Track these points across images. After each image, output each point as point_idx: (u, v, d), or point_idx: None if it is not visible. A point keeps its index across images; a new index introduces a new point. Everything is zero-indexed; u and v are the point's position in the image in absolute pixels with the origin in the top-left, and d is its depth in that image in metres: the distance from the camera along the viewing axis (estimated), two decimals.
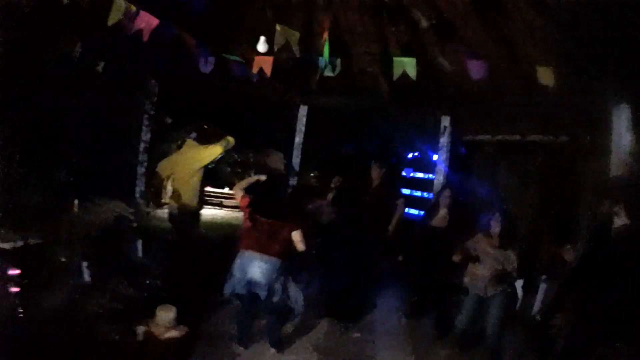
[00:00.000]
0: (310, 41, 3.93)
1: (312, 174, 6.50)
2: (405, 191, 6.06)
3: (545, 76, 3.35)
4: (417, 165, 6.91)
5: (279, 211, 2.96)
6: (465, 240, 3.17)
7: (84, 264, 3.13)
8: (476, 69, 3.38)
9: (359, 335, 3.51)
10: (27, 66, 3.11)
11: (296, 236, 2.90)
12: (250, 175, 4.17)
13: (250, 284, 2.83)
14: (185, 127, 5.89)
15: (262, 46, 3.52)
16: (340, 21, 3.96)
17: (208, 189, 6.81)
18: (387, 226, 4.10)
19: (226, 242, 4.35)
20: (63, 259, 2.96)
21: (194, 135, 3.99)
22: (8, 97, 2.94)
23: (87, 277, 3.06)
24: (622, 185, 2.97)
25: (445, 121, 4.81)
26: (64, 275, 2.89)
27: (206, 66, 3.60)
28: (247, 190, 3.12)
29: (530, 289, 3.71)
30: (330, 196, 4.19)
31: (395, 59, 3.47)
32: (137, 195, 4.88)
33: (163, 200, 3.80)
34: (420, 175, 6.87)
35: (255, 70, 3.55)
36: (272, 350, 3.01)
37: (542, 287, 3.65)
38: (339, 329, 3.57)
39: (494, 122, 4.70)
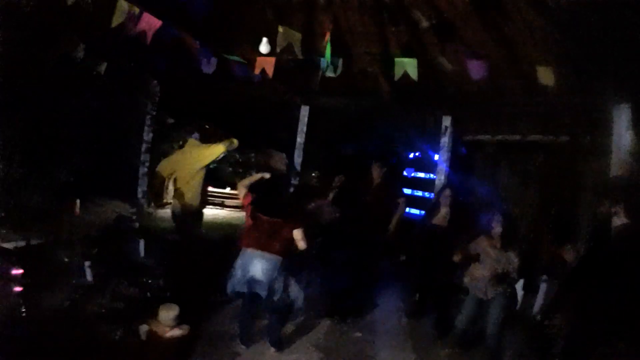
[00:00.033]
0: (311, 42, 3.94)
1: (313, 174, 6.51)
2: (407, 191, 6.07)
3: (545, 76, 3.36)
4: (418, 165, 6.92)
5: (280, 210, 2.98)
6: (465, 240, 3.17)
7: (86, 263, 3.15)
8: (476, 69, 3.39)
9: (359, 334, 3.52)
10: (28, 66, 3.13)
11: (297, 235, 2.91)
12: (251, 175, 4.19)
13: (252, 282, 2.84)
14: (185, 127, 5.92)
15: (264, 47, 3.54)
16: (341, 21, 3.96)
17: (210, 188, 6.84)
18: (388, 226, 4.11)
19: (227, 242, 4.37)
20: (65, 259, 2.98)
21: (196, 135, 4.00)
22: (10, 97, 2.96)
23: (89, 277, 3.07)
24: (622, 185, 2.98)
25: (447, 121, 4.81)
26: (66, 275, 2.91)
27: (208, 67, 3.62)
28: (250, 188, 3.14)
29: (530, 289, 3.71)
30: (331, 196, 4.21)
31: (396, 59, 3.48)
32: (139, 195, 4.90)
33: (165, 201, 3.82)
34: (421, 175, 6.88)
35: (257, 71, 3.57)
36: (272, 349, 3.02)
37: (542, 287, 3.65)
38: (340, 329, 3.58)
39: (494, 122, 4.70)
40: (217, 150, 3.82)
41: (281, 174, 5.78)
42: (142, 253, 4.03)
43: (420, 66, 3.48)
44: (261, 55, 3.59)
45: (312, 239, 3.43)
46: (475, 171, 5.16)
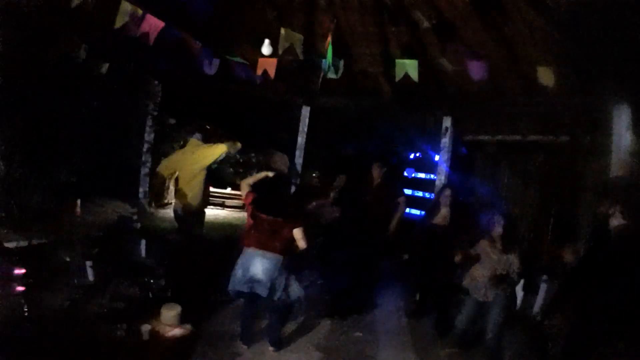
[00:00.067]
0: (312, 43, 3.96)
1: (314, 174, 6.53)
2: (407, 191, 6.07)
3: (545, 76, 3.36)
4: (418, 165, 6.93)
5: (281, 209, 2.99)
6: (466, 240, 3.17)
7: (88, 263, 3.16)
8: (477, 69, 3.40)
9: (360, 334, 3.52)
10: (29, 66, 3.14)
11: (297, 234, 2.92)
12: (249, 177, 4.20)
13: (253, 281, 2.86)
14: (186, 127, 5.94)
15: (266, 49, 3.56)
16: (342, 22, 3.97)
17: (210, 189, 6.86)
18: (388, 225, 4.12)
19: (228, 242, 4.38)
20: (67, 259, 2.99)
21: (198, 135, 4.01)
22: (11, 97, 2.97)
23: (90, 277, 3.09)
24: (620, 185, 2.98)
25: (447, 122, 4.82)
26: (68, 275, 2.92)
27: (210, 68, 3.63)
28: (252, 187, 3.16)
29: (530, 289, 3.71)
30: (332, 196, 4.22)
31: (397, 61, 3.50)
32: (141, 195, 4.92)
33: (165, 201, 3.83)
34: (422, 175, 6.89)
35: (259, 72, 3.59)
36: (272, 349, 3.03)
37: (543, 287, 3.65)
38: (340, 328, 3.58)
39: (494, 122, 4.71)
40: (219, 150, 3.83)
41: (282, 174, 5.79)
42: (143, 253, 4.04)
43: (420, 66, 3.49)
44: (263, 56, 3.61)
45: (313, 238, 3.44)
46: (475, 171, 5.16)
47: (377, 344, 3.36)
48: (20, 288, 2.35)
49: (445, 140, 4.82)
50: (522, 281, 3.51)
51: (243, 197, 3.20)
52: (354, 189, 4.30)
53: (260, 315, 3.21)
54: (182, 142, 6.13)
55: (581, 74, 3.38)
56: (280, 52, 3.39)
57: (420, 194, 6.66)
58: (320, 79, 3.86)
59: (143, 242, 4.04)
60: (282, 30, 3.34)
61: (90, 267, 3.16)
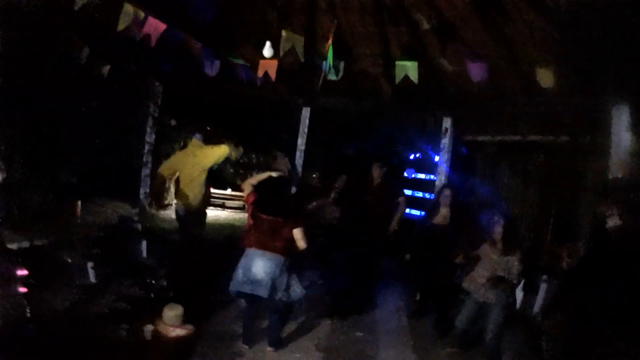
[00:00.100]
0: (313, 44, 3.96)
1: (314, 174, 6.54)
2: (407, 192, 6.08)
3: (545, 77, 3.36)
4: (418, 166, 6.94)
5: (281, 209, 3.00)
6: (466, 240, 3.17)
7: (89, 264, 3.17)
8: (477, 69, 3.40)
9: (360, 334, 3.53)
10: (30, 66, 3.15)
11: (297, 234, 2.93)
12: (252, 177, 4.21)
13: (254, 282, 2.87)
14: (186, 127, 5.95)
15: (267, 51, 3.57)
16: (342, 22, 3.98)
17: (211, 190, 6.88)
18: (388, 225, 4.13)
19: (229, 242, 4.39)
20: (68, 260, 3.01)
21: (198, 136, 4.02)
22: (13, 98, 2.98)
23: (92, 277, 3.10)
24: (618, 186, 2.98)
25: (447, 122, 4.83)
26: (70, 275, 2.93)
27: (212, 70, 3.64)
28: (255, 188, 3.17)
29: (530, 289, 3.71)
30: (333, 196, 4.23)
31: (397, 62, 3.50)
32: (141, 196, 4.93)
33: (166, 202, 3.85)
34: (422, 176, 6.89)
35: (260, 74, 3.60)
36: (271, 349, 3.04)
37: (543, 287, 3.66)
38: (341, 328, 3.59)
39: (494, 123, 4.70)
40: (220, 151, 3.84)
41: (284, 175, 5.82)
42: (144, 254, 4.05)
43: (420, 67, 3.49)
44: (264, 58, 3.62)
45: (313, 238, 3.45)
46: (475, 171, 5.17)
47: (377, 344, 3.37)
48: (22, 289, 2.36)
49: (445, 141, 4.83)
50: (522, 281, 3.51)
51: (245, 197, 3.22)
52: (354, 189, 4.31)
53: (262, 316, 3.22)
54: (182, 143, 6.15)
55: (581, 74, 3.38)
56: (281, 54, 3.40)
57: (420, 194, 6.67)
58: (321, 80, 3.86)
59: (144, 242, 4.06)
60: (283, 33, 3.35)
61: (92, 268, 3.17)
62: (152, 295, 3.33)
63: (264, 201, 3.06)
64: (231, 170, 7.06)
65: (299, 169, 5.39)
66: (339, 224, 4.14)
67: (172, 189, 4.73)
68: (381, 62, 4.29)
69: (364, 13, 3.87)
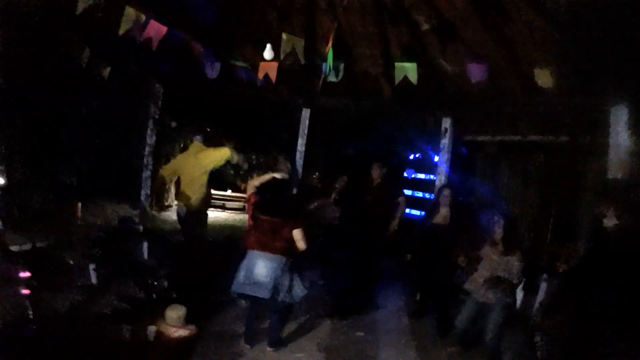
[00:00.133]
0: (313, 45, 3.96)
1: (314, 175, 6.55)
2: (407, 192, 6.09)
3: (545, 77, 3.36)
4: (418, 166, 6.94)
5: (281, 210, 3.01)
6: (466, 240, 3.18)
7: (91, 265, 3.18)
8: (477, 70, 3.40)
9: (361, 334, 3.54)
10: (31, 67, 3.15)
11: (297, 235, 2.94)
12: (252, 178, 4.23)
13: (257, 283, 2.88)
14: (186, 127, 5.96)
15: (268, 53, 3.58)
16: (342, 23, 3.98)
17: (211, 191, 6.88)
18: (388, 225, 4.14)
19: (229, 243, 4.40)
20: (70, 261, 3.01)
21: (199, 137, 4.03)
22: (13, 98, 2.98)
23: (93, 279, 3.11)
24: (617, 186, 2.98)
25: (446, 123, 4.83)
26: (72, 277, 2.94)
27: (212, 71, 3.65)
28: (257, 189, 3.18)
29: (530, 289, 3.72)
30: (333, 196, 4.24)
31: (396, 64, 3.51)
32: (143, 198, 4.94)
33: (166, 203, 3.86)
34: (421, 176, 6.90)
35: (260, 75, 3.61)
36: (271, 349, 3.05)
37: (543, 286, 3.66)
38: (341, 328, 3.60)
39: (494, 123, 4.71)
40: (222, 154, 3.85)
41: (286, 176, 5.84)
42: (145, 255, 4.06)
43: (420, 67, 3.50)
44: (264, 60, 3.63)
45: (313, 239, 3.46)
46: (475, 171, 5.17)
47: (377, 344, 3.38)
48: (25, 291, 2.37)
49: (445, 141, 4.83)
50: (522, 281, 3.51)
51: (247, 197, 3.23)
52: (354, 189, 4.32)
53: (264, 316, 3.23)
54: (182, 144, 6.16)
55: (581, 74, 3.38)
56: (282, 57, 3.41)
57: (420, 194, 6.67)
58: (321, 81, 3.86)
59: (145, 243, 4.07)
60: (284, 35, 3.36)
61: (93, 269, 3.17)
62: (154, 296, 3.33)
63: (265, 202, 3.07)
64: (231, 171, 7.07)
65: (299, 169, 5.40)
66: (339, 224, 4.15)
67: (173, 190, 4.75)
68: (381, 62, 4.30)
69: (364, 13, 3.88)
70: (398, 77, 3.46)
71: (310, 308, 3.74)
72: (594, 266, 2.57)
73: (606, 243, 2.55)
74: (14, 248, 2.72)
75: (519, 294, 3.74)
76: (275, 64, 3.55)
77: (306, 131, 5.43)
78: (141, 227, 4.24)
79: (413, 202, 5.99)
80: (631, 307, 2.27)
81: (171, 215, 5.75)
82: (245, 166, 4.89)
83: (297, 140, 5.41)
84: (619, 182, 3.10)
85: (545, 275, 3.72)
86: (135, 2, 2.97)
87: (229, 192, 7.96)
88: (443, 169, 4.85)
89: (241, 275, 2.92)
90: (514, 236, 3.10)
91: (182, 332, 2.81)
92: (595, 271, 2.52)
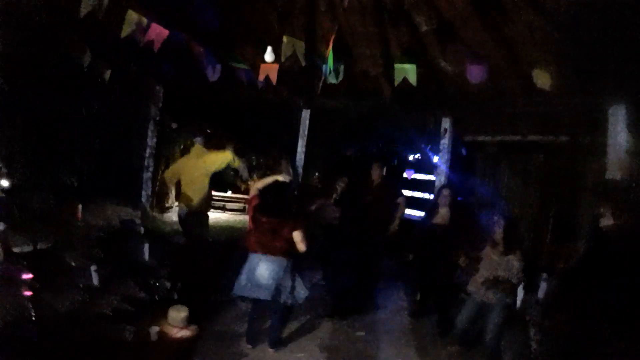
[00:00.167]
0: (314, 46, 3.97)
1: (315, 175, 6.55)
2: (407, 192, 6.10)
3: (545, 77, 3.37)
4: (418, 166, 6.95)
5: (281, 210, 3.01)
6: (466, 239, 3.18)
7: (92, 267, 3.18)
8: (476, 70, 3.41)
9: (361, 334, 3.55)
10: (31, 67, 3.15)
11: (297, 236, 2.95)
12: (252, 179, 4.24)
13: (259, 285, 2.89)
14: (186, 128, 5.96)
15: (269, 56, 3.59)
16: (342, 23, 3.98)
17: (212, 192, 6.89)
18: (388, 225, 4.15)
19: (230, 244, 4.41)
20: (72, 263, 3.02)
21: (199, 139, 4.04)
22: (13, 99, 2.99)
23: (95, 280, 3.11)
24: (615, 186, 2.99)
25: (446, 123, 4.84)
26: (74, 278, 2.95)
27: (213, 74, 3.66)
28: (260, 191, 3.19)
29: (530, 289, 3.72)
30: (334, 196, 4.25)
31: (396, 65, 3.52)
32: (143, 199, 4.95)
33: (167, 205, 3.87)
34: (421, 176, 6.90)
35: (261, 77, 3.62)
36: (271, 350, 3.06)
37: (542, 286, 3.66)
38: (342, 328, 3.61)
39: (494, 123, 4.71)
40: (224, 157, 3.87)
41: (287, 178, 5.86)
42: (147, 256, 4.07)
43: (420, 67, 3.50)
44: (265, 62, 3.64)
45: (314, 239, 3.46)
46: (475, 171, 5.17)
47: (378, 344, 3.39)
48: (28, 292, 2.38)
49: (445, 142, 4.84)
50: (523, 281, 3.51)
51: (249, 199, 3.24)
52: (354, 190, 4.33)
53: (265, 316, 3.24)
54: (182, 146, 6.17)
55: (581, 74, 3.38)
56: (282, 59, 3.42)
57: (420, 194, 6.68)
58: (321, 83, 3.87)
59: (146, 244, 4.08)
60: (285, 38, 3.37)
61: (95, 270, 3.18)
62: (155, 296, 3.34)
63: (266, 204, 3.08)
64: (231, 172, 7.08)
65: (300, 170, 5.41)
66: (339, 224, 4.16)
67: (173, 192, 4.75)
68: (381, 63, 4.30)
69: (364, 13, 3.88)
70: (397, 79, 3.47)
71: (311, 308, 3.75)
72: (593, 266, 2.58)
73: (605, 243, 2.55)
74: (15, 249, 2.72)
75: (519, 294, 3.75)
76: (276, 66, 3.56)
77: (306, 132, 5.44)
78: (142, 229, 4.25)
79: (413, 203, 5.99)
80: (631, 307, 2.28)
81: (172, 216, 5.77)
82: (246, 174, 4.88)
83: (297, 141, 5.42)
84: (618, 182, 3.10)
85: (545, 275, 3.72)
86: (137, 5, 2.97)
87: (229, 194, 7.98)
88: (443, 169, 4.86)
89: (243, 277, 2.93)
90: (514, 236, 3.10)
91: (185, 333, 2.83)
92: (595, 271, 2.53)
